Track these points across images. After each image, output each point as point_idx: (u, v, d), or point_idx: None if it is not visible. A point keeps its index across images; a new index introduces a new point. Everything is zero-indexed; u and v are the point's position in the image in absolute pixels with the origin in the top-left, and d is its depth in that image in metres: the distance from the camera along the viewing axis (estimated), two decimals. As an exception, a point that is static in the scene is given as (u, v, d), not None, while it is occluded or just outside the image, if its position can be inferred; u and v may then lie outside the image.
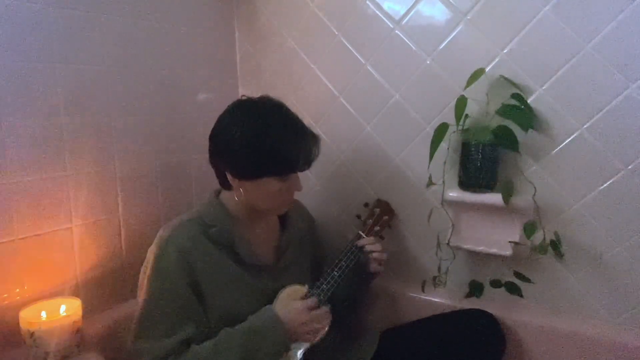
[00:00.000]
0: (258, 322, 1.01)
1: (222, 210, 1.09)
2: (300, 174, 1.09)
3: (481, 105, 1.22)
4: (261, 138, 1.00)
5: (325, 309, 1.10)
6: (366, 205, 1.34)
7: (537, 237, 1.19)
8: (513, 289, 1.24)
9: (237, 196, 1.08)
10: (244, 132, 1.01)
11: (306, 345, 1.07)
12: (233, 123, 1.04)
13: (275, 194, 1.04)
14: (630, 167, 1.11)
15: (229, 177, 1.05)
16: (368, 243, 1.22)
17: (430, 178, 1.27)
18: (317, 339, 1.08)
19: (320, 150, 1.10)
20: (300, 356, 1.06)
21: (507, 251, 1.22)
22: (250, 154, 1.00)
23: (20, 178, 1.10)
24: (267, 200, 1.06)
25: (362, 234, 1.26)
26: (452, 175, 1.27)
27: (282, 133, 1.01)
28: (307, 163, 1.06)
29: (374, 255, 1.20)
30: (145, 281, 1.00)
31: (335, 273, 1.17)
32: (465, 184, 1.24)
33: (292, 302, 1.06)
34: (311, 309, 1.06)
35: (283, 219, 1.21)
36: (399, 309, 1.42)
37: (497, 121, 1.17)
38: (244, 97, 1.09)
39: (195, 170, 1.53)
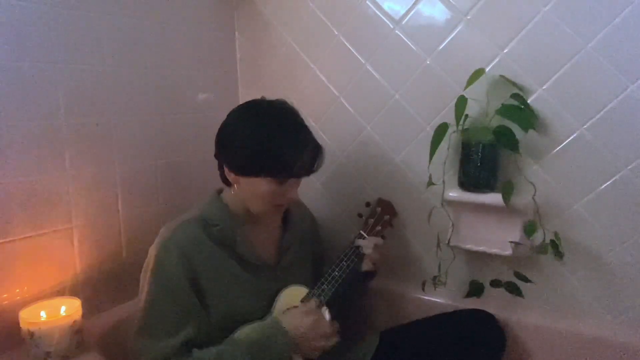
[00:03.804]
0: (265, 334, 1.00)
1: (224, 209, 1.09)
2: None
3: (481, 105, 1.22)
4: (260, 136, 1.00)
5: (335, 325, 1.07)
6: (368, 204, 1.34)
7: (537, 237, 1.19)
8: (513, 289, 1.24)
9: (232, 190, 1.08)
10: (246, 127, 1.02)
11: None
12: (239, 117, 1.06)
13: (266, 196, 1.03)
14: (630, 167, 1.11)
15: (225, 170, 1.06)
16: (365, 244, 1.22)
17: (430, 178, 1.27)
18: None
19: (323, 162, 1.09)
20: None
21: (507, 251, 1.22)
22: (245, 149, 1.01)
23: (20, 178, 1.10)
24: (258, 200, 1.05)
25: (363, 233, 1.26)
26: (452, 175, 1.28)
27: (281, 136, 1.00)
28: (304, 171, 1.05)
29: (368, 252, 1.21)
30: (147, 281, 1.00)
31: (336, 273, 1.17)
32: (465, 184, 1.24)
33: (303, 317, 1.03)
34: (319, 324, 1.04)
35: (285, 219, 1.21)
36: (399, 309, 1.42)
37: (497, 121, 1.17)
38: (261, 97, 1.10)
39: (195, 170, 1.53)
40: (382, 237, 1.30)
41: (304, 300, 1.13)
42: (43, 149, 1.14)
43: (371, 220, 1.29)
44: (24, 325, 1.02)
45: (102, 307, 1.27)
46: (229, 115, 1.08)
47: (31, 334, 1.01)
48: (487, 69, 1.22)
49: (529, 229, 1.17)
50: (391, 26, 1.36)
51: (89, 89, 1.22)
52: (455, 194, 1.26)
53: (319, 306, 1.10)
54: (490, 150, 1.19)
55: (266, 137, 1.00)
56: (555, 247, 1.17)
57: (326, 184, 1.57)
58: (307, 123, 1.08)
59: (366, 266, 1.23)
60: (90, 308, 1.20)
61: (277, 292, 1.11)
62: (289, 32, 1.55)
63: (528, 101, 1.17)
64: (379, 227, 1.29)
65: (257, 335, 1.00)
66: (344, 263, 1.19)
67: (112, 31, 1.27)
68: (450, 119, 1.21)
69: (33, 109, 1.11)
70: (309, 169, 1.07)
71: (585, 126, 1.14)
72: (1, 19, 1.05)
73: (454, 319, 1.24)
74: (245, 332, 1.03)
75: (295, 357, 1.02)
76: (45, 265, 1.16)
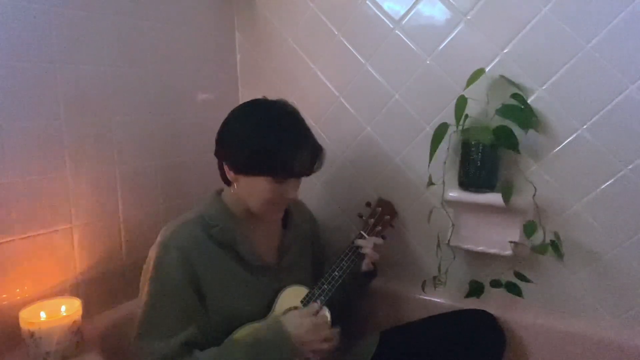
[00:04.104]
0: (265, 335, 1.00)
1: (224, 209, 1.09)
2: (301, 179, 1.09)
3: (481, 105, 1.22)
4: (259, 135, 1.00)
5: (335, 330, 1.06)
6: (368, 204, 1.34)
7: (537, 237, 1.19)
8: (513, 289, 1.24)
9: (232, 189, 1.08)
10: (246, 125, 1.03)
11: None
12: (239, 116, 1.06)
13: (265, 195, 1.03)
14: (630, 167, 1.11)
15: (225, 169, 1.06)
16: (364, 244, 1.22)
17: (430, 178, 1.27)
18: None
19: (323, 163, 1.10)
20: None
21: (507, 251, 1.22)
22: (245, 148, 1.01)
23: (20, 178, 1.10)
24: (257, 200, 1.05)
25: (363, 233, 1.26)
26: (452, 175, 1.27)
27: (280, 135, 1.01)
28: (303, 172, 1.05)
29: (367, 252, 1.21)
30: (147, 281, 1.00)
31: (336, 273, 1.17)
32: (465, 184, 1.24)
33: (303, 320, 1.03)
34: (320, 328, 1.04)
35: (285, 219, 1.20)
36: (399, 309, 1.42)
37: (497, 121, 1.17)
38: (262, 97, 1.10)
39: (195, 170, 1.53)
40: (383, 237, 1.30)
41: (303, 301, 1.13)
42: (43, 149, 1.14)
43: (371, 221, 1.29)
44: (24, 325, 1.02)
45: (102, 307, 1.27)
46: (230, 114, 1.08)
47: (31, 334, 1.01)
48: (487, 69, 1.22)
49: (529, 229, 1.17)
50: (391, 26, 1.36)
51: (89, 89, 1.22)
52: (455, 194, 1.26)
53: (320, 309, 1.10)
54: (490, 150, 1.19)
55: (266, 137, 1.00)
56: (555, 247, 1.17)
57: (326, 184, 1.57)
58: (307, 123, 1.08)
59: (366, 266, 1.23)
60: (90, 308, 1.20)
61: (277, 292, 1.11)
62: (289, 32, 1.55)
63: (528, 101, 1.17)
64: (379, 227, 1.29)
65: (257, 336, 1.00)
66: (344, 263, 1.19)
67: (112, 31, 1.26)
68: (450, 119, 1.21)
69: (33, 109, 1.11)
70: (308, 170, 1.07)
71: (585, 126, 1.14)
72: (1, 19, 1.05)
73: (454, 319, 1.24)
74: (245, 331, 1.03)
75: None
76: (45, 265, 1.16)
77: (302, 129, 1.06)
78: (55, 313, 1.08)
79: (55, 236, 1.17)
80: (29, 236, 1.12)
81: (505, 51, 1.21)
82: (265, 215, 1.10)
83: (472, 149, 1.20)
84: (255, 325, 1.05)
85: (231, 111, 1.09)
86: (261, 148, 1.00)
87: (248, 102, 1.10)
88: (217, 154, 1.09)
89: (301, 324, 1.02)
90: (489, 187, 1.21)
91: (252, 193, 1.05)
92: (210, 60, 1.59)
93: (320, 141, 1.10)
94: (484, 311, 1.22)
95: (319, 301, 1.12)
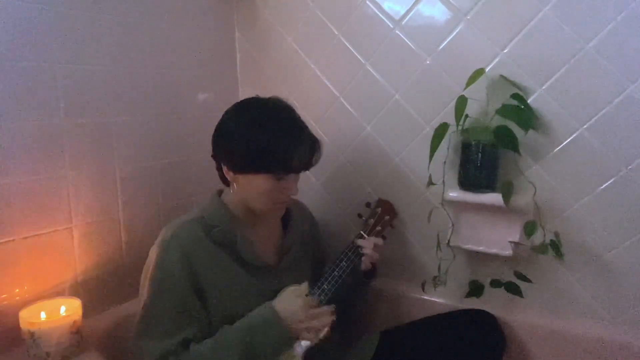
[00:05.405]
0: (257, 318, 1.01)
1: (224, 210, 1.09)
2: (301, 176, 1.09)
3: (481, 105, 1.22)
4: (255, 132, 1.00)
5: (326, 308, 1.08)
6: (368, 204, 1.34)
7: (537, 237, 1.19)
8: (513, 289, 1.24)
9: (232, 190, 1.08)
10: (241, 124, 1.03)
11: (308, 343, 1.06)
12: (234, 115, 1.06)
13: (266, 193, 1.04)
14: (630, 167, 1.11)
15: (224, 169, 1.06)
16: (364, 244, 1.22)
17: (430, 178, 1.27)
18: (319, 339, 1.07)
19: (321, 156, 1.10)
20: (302, 353, 1.05)
21: (507, 251, 1.22)
22: (243, 147, 1.01)
23: (20, 178, 1.10)
24: (259, 198, 1.05)
25: (363, 233, 1.26)
26: (452, 175, 1.27)
27: (276, 131, 1.01)
28: (301, 166, 1.06)
29: (366, 252, 1.21)
30: (147, 281, 1.00)
31: (336, 273, 1.17)
32: (465, 184, 1.24)
33: (294, 299, 1.04)
34: (311, 307, 1.05)
35: (285, 220, 1.20)
36: (399, 309, 1.42)
37: (497, 121, 1.17)
38: (255, 96, 1.10)
39: (195, 170, 1.53)
40: (383, 237, 1.30)
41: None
42: (43, 149, 1.14)
43: (371, 221, 1.29)
44: (24, 325, 1.02)
45: (102, 307, 1.27)
46: (224, 115, 1.08)
47: (31, 334, 1.01)
48: (487, 69, 1.22)
49: (529, 229, 1.17)
50: (391, 26, 1.36)
51: (89, 88, 1.22)
52: (455, 194, 1.26)
53: (319, 303, 1.10)
54: (490, 150, 1.19)
55: (262, 134, 1.00)
56: (555, 247, 1.17)
57: (326, 184, 1.57)
58: (306, 121, 1.08)
59: (365, 266, 1.23)
60: (90, 308, 1.20)
61: (277, 293, 1.11)
62: (289, 32, 1.55)
63: (528, 101, 1.17)
64: (379, 228, 1.29)
65: (250, 319, 1.01)
66: (344, 263, 1.18)
67: (111, 31, 1.27)
68: (450, 119, 1.21)
69: (33, 109, 1.11)
70: (307, 164, 1.07)
71: (585, 126, 1.14)
72: (1, 19, 1.05)
73: (454, 319, 1.24)
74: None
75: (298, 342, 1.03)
76: (45, 266, 1.16)
77: (298, 124, 1.06)
78: (55, 313, 1.08)
79: (55, 236, 1.18)
80: (29, 236, 1.12)
81: (505, 51, 1.21)
82: (267, 213, 1.10)
83: (472, 149, 1.20)
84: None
85: (225, 112, 1.08)
86: (259, 146, 1.00)
87: (241, 101, 1.10)
88: (215, 155, 1.09)
89: (292, 303, 1.03)
90: (489, 187, 1.21)
91: (253, 191, 1.05)
92: (210, 60, 1.59)
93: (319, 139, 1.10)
94: (484, 311, 1.22)
95: (319, 298, 1.12)
